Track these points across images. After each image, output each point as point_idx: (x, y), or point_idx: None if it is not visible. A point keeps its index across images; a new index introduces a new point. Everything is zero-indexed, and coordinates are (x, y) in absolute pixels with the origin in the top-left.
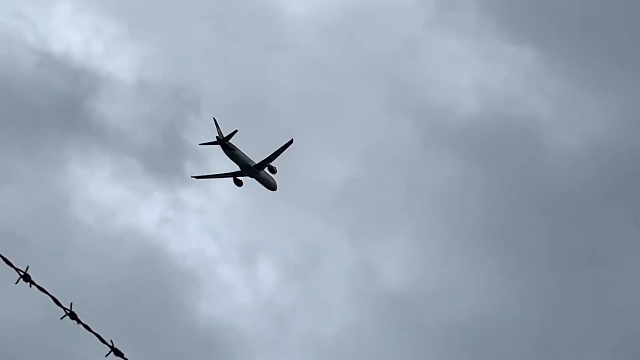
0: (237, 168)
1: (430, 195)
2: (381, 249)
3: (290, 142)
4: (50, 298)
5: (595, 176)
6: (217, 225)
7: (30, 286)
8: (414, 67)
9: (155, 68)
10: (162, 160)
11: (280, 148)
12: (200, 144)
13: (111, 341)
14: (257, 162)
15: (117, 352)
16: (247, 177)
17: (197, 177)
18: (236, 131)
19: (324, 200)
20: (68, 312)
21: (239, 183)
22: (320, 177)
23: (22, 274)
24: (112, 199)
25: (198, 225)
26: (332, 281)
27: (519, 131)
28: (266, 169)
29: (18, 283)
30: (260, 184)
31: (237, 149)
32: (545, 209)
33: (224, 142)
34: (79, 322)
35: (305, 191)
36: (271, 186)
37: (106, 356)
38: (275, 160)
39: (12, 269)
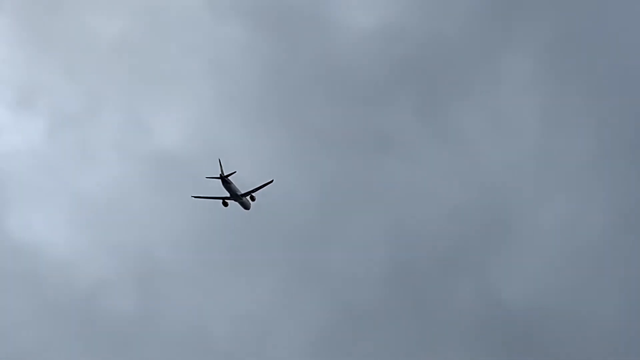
0: (227, 194)
1: (210, 59)
2: (154, 108)
3: (271, 181)
4: None
5: (385, 59)
6: None
7: None
8: None
9: None
10: None
11: (262, 185)
12: (207, 177)
13: None
14: (242, 193)
15: None
16: (232, 201)
17: (196, 197)
18: (235, 172)
19: (99, 53)
20: None
21: (225, 204)
22: (95, 29)
23: None
24: None
25: None
26: (102, 135)
27: (309, 2)
28: (248, 197)
29: None
30: (239, 205)
31: (232, 182)
32: (331, 87)
33: (224, 178)
34: None
35: (82, 43)
36: (246, 208)
37: None
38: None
39: None
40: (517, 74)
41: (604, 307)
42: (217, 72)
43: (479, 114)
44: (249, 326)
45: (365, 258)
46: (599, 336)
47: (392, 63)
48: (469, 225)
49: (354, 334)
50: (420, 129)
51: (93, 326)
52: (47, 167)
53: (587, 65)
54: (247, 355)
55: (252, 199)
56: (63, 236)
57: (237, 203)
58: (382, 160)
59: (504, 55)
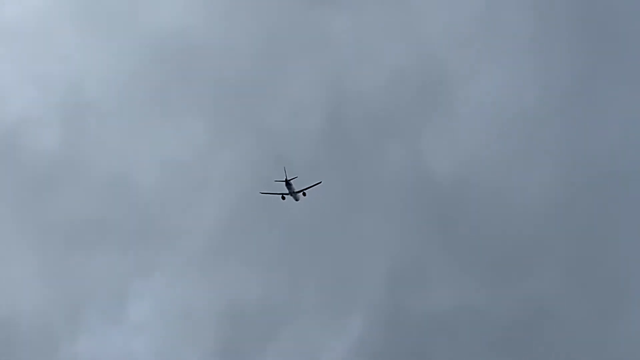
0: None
1: None
2: None
3: (319, 182)
4: None
5: None
6: None
7: None
8: None
9: None
10: None
11: (312, 185)
12: (275, 181)
13: None
14: (297, 191)
15: None
16: (288, 196)
17: (263, 193)
18: (296, 177)
19: None
20: None
21: (284, 198)
22: None
23: None
24: None
25: None
26: None
27: None
28: (300, 194)
29: None
30: (292, 198)
31: (292, 184)
32: None
33: (288, 182)
34: None
35: None
36: (297, 200)
37: None
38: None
39: None
40: None
41: (531, 182)
42: None
43: None
44: (178, 174)
45: (300, 113)
46: (523, 209)
47: None
48: (405, 89)
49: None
50: None
51: (15, 164)
52: None
53: None
54: (173, 203)
55: (303, 194)
56: None
57: (291, 197)
58: (325, 15)
59: None
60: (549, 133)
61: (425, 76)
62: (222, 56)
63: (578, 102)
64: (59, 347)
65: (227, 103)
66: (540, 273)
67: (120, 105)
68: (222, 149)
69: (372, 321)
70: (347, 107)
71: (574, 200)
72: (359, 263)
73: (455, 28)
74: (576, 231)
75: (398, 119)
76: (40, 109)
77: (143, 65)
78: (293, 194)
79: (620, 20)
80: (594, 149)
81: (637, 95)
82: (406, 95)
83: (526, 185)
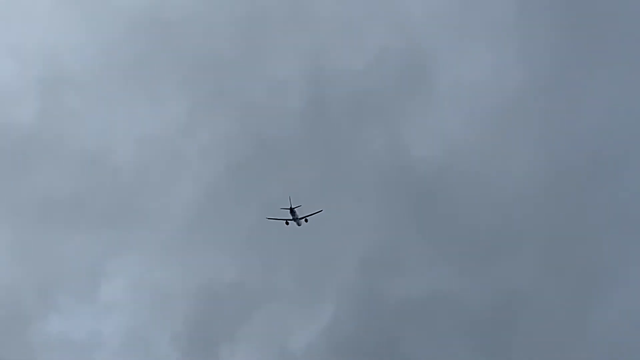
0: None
1: None
2: None
3: (320, 210)
4: None
5: None
6: None
7: None
8: None
9: None
10: None
11: (314, 212)
12: (281, 208)
13: None
14: (300, 217)
15: None
16: (292, 221)
17: (269, 219)
18: (300, 205)
19: None
20: None
21: (287, 223)
22: None
23: None
24: None
25: None
26: None
27: None
28: (303, 220)
29: None
30: (295, 224)
31: (296, 212)
32: None
33: (292, 209)
34: None
35: None
36: (299, 225)
37: None
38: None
39: None
40: None
41: (511, 168)
42: None
43: None
44: (155, 151)
45: (280, 91)
46: (501, 196)
47: None
48: (387, 71)
49: (265, 165)
50: None
51: None
52: None
53: None
54: (149, 181)
55: (306, 220)
56: None
57: (294, 223)
58: None
59: None
60: (530, 118)
61: (407, 59)
62: (202, 32)
63: (560, 87)
64: (29, 326)
65: (206, 79)
66: (516, 260)
67: (97, 80)
68: (201, 126)
69: (345, 307)
70: (327, 87)
71: (552, 188)
72: (334, 248)
73: (438, 12)
74: (553, 219)
75: (378, 101)
76: (15, 83)
77: (121, 40)
78: (296, 220)
79: (602, 5)
80: (575, 135)
81: (618, 80)
82: (387, 77)
83: (505, 171)
